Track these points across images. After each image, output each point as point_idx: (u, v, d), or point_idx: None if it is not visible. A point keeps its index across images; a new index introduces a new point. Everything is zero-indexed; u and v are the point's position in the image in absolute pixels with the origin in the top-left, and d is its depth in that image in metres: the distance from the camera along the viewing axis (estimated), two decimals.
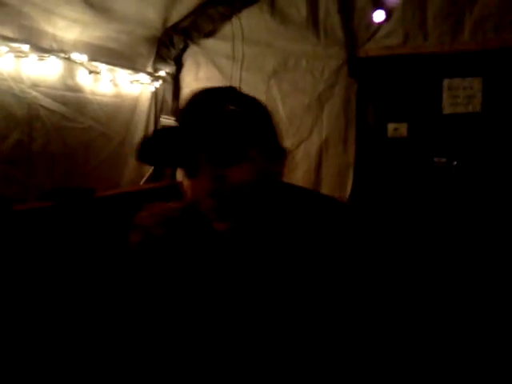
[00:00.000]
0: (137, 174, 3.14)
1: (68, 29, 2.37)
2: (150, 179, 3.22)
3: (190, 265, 0.91)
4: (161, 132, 0.90)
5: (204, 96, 0.87)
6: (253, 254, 0.88)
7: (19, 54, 2.14)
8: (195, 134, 0.80)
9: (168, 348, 0.91)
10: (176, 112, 0.76)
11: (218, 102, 0.84)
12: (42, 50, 2.23)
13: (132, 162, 3.06)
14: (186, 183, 0.86)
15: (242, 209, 0.84)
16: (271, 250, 0.87)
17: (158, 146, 0.83)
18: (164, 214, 0.97)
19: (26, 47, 2.13)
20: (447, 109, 2.92)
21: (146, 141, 0.83)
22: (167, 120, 3.13)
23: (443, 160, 2.95)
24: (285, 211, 0.90)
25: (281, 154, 0.92)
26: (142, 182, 3.17)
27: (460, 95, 2.87)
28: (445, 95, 2.91)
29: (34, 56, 2.20)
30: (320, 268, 0.84)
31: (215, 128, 0.80)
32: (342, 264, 0.85)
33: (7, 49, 2.07)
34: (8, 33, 2.07)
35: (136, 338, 0.94)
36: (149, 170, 3.20)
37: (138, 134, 3.11)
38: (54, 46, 2.33)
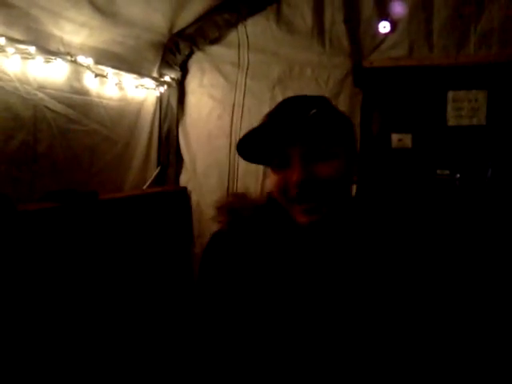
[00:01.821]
0: (140, 178, 3.12)
1: (75, 32, 2.37)
2: (154, 184, 3.22)
3: (272, 252, 0.99)
4: (257, 130, 0.94)
5: (296, 101, 0.96)
6: (331, 248, 0.96)
7: (26, 56, 2.13)
8: (290, 132, 0.89)
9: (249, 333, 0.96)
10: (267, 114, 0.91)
11: (308, 106, 0.91)
12: (48, 52, 2.23)
13: (136, 166, 3.05)
14: (274, 177, 0.95)
15: (326, 204, 0.91)
16: (348, 247, 0.96)
17: (255, 142, 0.92)
18: (250, 201, 1.07)
19: (32, 49, 2.12)
20: (452, 121, 2.92)
21: (245, 138, 0.91)
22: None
23: (446, 172, 2.95)
24: (363, 210, 1.02)
25: (357, 156, 1.02)
26: (145, 187, 3.16)
27: (465, 107, 2.88)
28: (449, 107, 2.92)
29: (40, 58, 2.20)
30: (387, 269, 0.94)
31: (310, 127, 0.88)
32: (406, 268, 0.97)
33: (14, 50, 2.06)
34: (15, 34, 2.06)
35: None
36: (152, 174, 3.20)
37: (143, 139, 3.11)
38: (61, 48, 2.32)
